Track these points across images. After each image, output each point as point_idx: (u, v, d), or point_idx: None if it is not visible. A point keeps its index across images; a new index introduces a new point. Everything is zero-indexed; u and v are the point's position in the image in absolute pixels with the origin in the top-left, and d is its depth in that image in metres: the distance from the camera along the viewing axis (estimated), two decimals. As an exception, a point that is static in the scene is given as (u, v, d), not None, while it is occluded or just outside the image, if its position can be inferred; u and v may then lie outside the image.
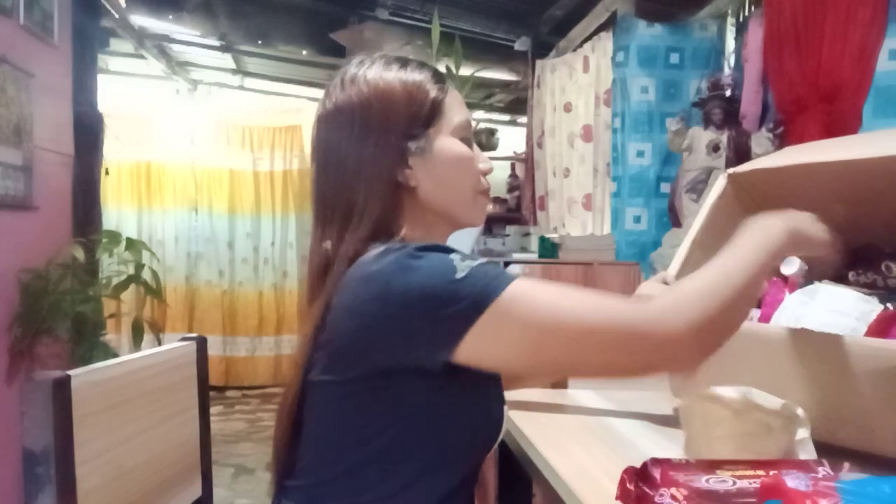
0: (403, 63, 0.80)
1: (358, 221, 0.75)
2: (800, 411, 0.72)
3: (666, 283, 1.01)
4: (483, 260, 0.69)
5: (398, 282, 0.66)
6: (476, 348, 0.66)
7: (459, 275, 0.65)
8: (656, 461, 0.63)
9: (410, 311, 0.66)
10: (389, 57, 0.81)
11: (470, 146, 0.82)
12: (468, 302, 0.64)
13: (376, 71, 0.78)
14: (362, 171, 0.76)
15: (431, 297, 0.65)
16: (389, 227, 0.75)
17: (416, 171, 0.77)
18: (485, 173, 0.83)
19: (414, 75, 0.79)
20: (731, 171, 1.07)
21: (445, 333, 0.65)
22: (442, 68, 2.85)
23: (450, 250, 0.69)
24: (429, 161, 0.77)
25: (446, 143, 0.79)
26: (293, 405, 0.76)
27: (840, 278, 0.98)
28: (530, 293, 0.65)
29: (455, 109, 0.80)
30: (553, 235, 2.76)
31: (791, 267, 0.98)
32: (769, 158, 1.06)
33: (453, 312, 0.64)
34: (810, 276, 0.97)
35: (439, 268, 0.66)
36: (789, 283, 0.98)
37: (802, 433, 0.71)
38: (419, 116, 0.77)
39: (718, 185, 1.07)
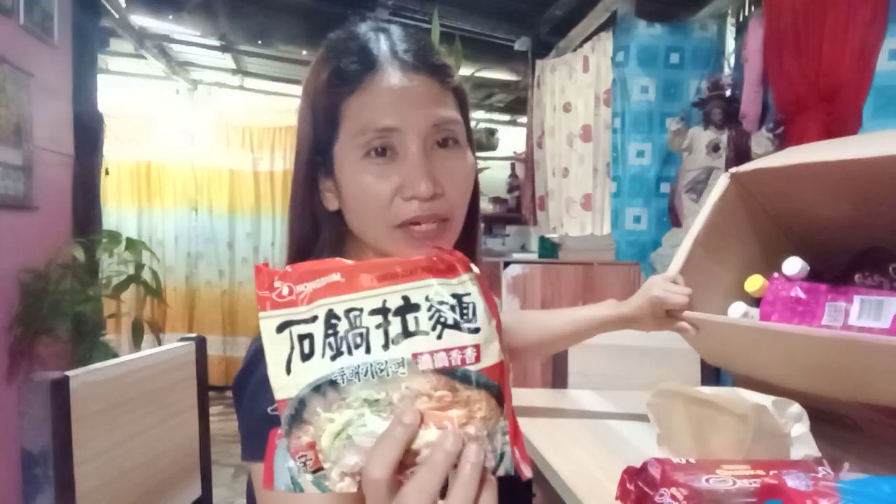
0: (320, 60, 0.65)
1: (287, 250, 0.69)
2: (751, 410, 0.71)
3: (675, 282, 1.00)
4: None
5: (243, 365, 0.61)
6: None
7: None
8: (656, 461, 0.63)
9: (236, 403, 0.62)
10: (319, 56, 0.67)
11: (387, 155, 0.59)
12: (250, 445, 0.57)
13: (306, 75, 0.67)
14: (291, 194, 0.69)
15: (244, 407, 0.59)
16: (307, 257, 0.65)
17: (329, 194, 0.65)
18: (412, 198, 0.58)
19: (319, 76, 0.64)
20: (733, 170, 1.06)
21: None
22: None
23: None
24: (337, 181, 0.63)
25: (345, 158, 0.61)
26: None
27: (847, 281, 0.98)
28: None
29: (360, 112, 0.59)
30: (553, 235, 2.76)
31: (793, 267, 0.98)
32: (772, 158, 1.04)
33: (243, 437, 0.59)
34: None
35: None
36: (792, 283, 0.98)
37: (801, 429, 0.71)
38: (319, 129, 0.64)
39: (721, 184, 1.07)
